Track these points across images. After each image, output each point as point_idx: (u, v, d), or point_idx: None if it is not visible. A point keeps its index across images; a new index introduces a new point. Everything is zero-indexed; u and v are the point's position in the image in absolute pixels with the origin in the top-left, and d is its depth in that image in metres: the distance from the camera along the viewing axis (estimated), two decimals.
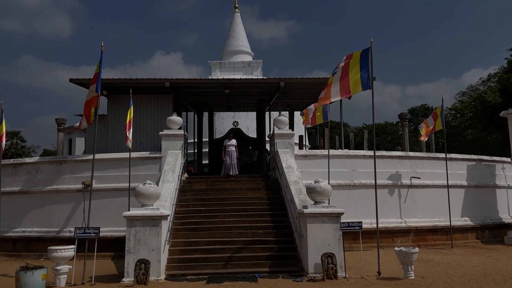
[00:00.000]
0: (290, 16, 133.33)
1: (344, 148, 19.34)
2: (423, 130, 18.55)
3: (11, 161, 17.04)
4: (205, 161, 24.90)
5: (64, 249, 10.63)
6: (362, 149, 27.42)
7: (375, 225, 12.11)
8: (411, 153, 17.64)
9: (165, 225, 11.60)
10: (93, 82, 13.00)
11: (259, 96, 21.46)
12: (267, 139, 20.51)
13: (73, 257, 10.80)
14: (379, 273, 10.98)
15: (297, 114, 25.95)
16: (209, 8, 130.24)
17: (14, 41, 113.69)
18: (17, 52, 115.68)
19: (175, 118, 16.10)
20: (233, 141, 17.08)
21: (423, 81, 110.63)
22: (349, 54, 12.14)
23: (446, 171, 16.51)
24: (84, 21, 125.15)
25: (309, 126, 17.72)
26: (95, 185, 13.93)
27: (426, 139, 19.32)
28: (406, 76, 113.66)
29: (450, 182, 16.53)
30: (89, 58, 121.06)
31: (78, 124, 14.35)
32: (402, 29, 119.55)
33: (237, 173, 16.56)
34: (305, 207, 11.52)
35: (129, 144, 14.33)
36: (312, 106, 17.02)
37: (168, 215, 11.96)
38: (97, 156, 14.10)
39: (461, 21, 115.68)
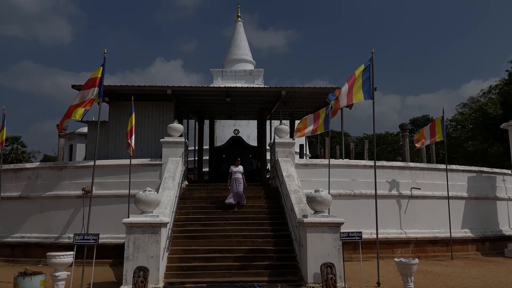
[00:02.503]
0: (290, 25, 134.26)
1: (345, 158, 19.33)
2: (416, 135, 18.64)
3: (12, 166, 17.05)
4: (205, 169, 24.89)
5: (63, 255, 10.57)
6: (363, 159, 27.45)
7: (375, 236, 12.08)
8: (412, 164, 17.63)
9: (165, 233, 11.57)
10: (90, 86, 12.84)
11: (260, 104, 21.54)
12: (267, 147, 20.55)
13: (72, 263, 10.75)
14: (378, 284, 10.94)
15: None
16: (208, 16, 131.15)
17: (14, 46, 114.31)
18: (17, 58, 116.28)
19: (176, 125, 16.14)
20: (240, 168, 15.32)
21: (423, 91, 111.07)
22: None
23: (446, 182, 16.49)
24: (84, 28, 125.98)
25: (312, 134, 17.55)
26: (95, 191, 13.92)
27: (420, 146, 19.15)
28: (406, 87, 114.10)
29: (450, 194, 16.50)
30: (89, 64, 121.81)
31: (61, 123, 13.84)
32: (402, 39, 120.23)
33: (244, 202, 14.96)
34: (305, 216, 11.50)
35: (131, 150, 14.34)
36: (312, 116, 16.88)
37: (168, 223, 11.94)
38: (98, 162, 14.11)
39: (461, 32, 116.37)
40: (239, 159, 15.75)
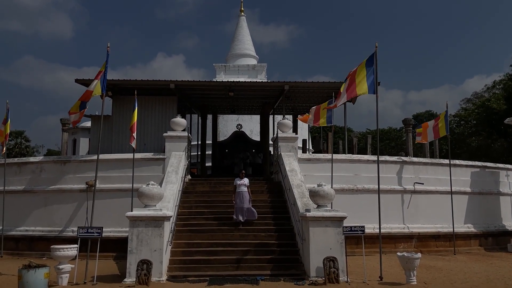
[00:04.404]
0: (291, 20, 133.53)
1: (348, 153, 19.31)
2: (419, 130, 18.62)
3: (16, 160, 17.13)
4: (208, 164, 24.94)
5: (66, 248, 10.67)
6: (366, 154, 27.38)
7: (377, 230, 12.08)
8: (415, 159, 17.60)
9: (168, 226, 11.62)
10: (96, 78, 12.95)
11: (263, 99, 21.52)
12: (270, 142, 20.55)
13: (76, 256, 10.84)
14: (381, 278, 10.96)
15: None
16: (209, 12, 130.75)
17: (16, 42, 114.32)
18: (19, 53, 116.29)
19: (179, 120, 16.14)
20: (245, 180, 13.88)
21: (425, 87, 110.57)
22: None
23: (449, 178, 16.46)
24: (85, 23, 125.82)
25: (313, 125, 17.62)
26: (98, 185, 13.97)
27: (421, 140, 19.08)
28: (408, 82, 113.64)
29: (453, 189, 16.47)
30: (90, 60, 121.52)
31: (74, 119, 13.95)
32: (405, 35, 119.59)
33: (255, 217, 13.44)
34: (308, 210, 11.51)
35: (134, 144, 14.38)
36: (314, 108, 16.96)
37: (171, 216, 11.98)
38: (101, 156, 14.12)
39: (464, 28, 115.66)
40: (243, 171, 14.57)
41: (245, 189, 13.69)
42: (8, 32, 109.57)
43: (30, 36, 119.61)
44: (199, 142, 23.64)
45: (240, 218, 13.32)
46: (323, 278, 10.64)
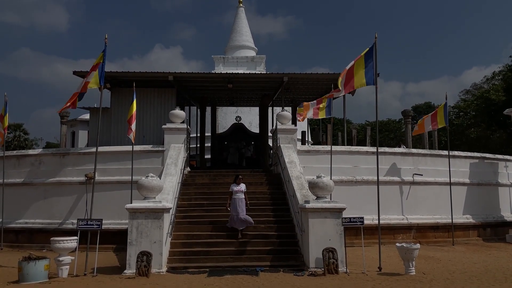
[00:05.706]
0: (289, 11, 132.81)
1: (347, 145, 19.31)
2: (420, 121, 18.61)
3: (14, 152, 17.09)
4: (208, 156, 24.93)
5: (66, 240, 10.69)
6: (365, 146, 27.39)
7: (376, 221, 12.12)
8: (414, 150, 17.59)
9: (167, 218, 11.64)
10: (93, 70, 12.73)
11: (262, 91, 21.46)
12: (269, 134, 20.53)
13: (76, 248, 10.87)
14: (380, 268, 11.01)
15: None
16: (205, 3, 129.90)
17: (12, 34, 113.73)
18: (16, 45, 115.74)
19: (178, 112, 16.09)
20: (242, 187, 13.00)
21: (424, 78, 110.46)
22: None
23: (448, 169, 16.47)
24: (81, 15, 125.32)
25: (311, 118, 17.57)
26: (97, 177, 13.96)
27: (417, 131, 19.06)
28: (407, 74, 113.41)
29: (452, 180, 16.49)
30: (87, 52, 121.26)
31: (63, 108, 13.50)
32: (403, 26, 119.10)
33: (252, 224, 12.71)
34: (307, 202, 11.54)
35: (132, 136, 14.36)
36: (314, 102, 16.90)
37: (170, 208, 12.00)
38: (100, 149, 14.11)
39: (462, 19, 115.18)
40: (241, 176, 13.44)
41: (242, 195, 12.90)
42: (4, 24, 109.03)
43: (26, 28, 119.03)
44: (198, 134, 23.61)
45: (238, 226, 12.59)
46: (322, 269, 10.68)
